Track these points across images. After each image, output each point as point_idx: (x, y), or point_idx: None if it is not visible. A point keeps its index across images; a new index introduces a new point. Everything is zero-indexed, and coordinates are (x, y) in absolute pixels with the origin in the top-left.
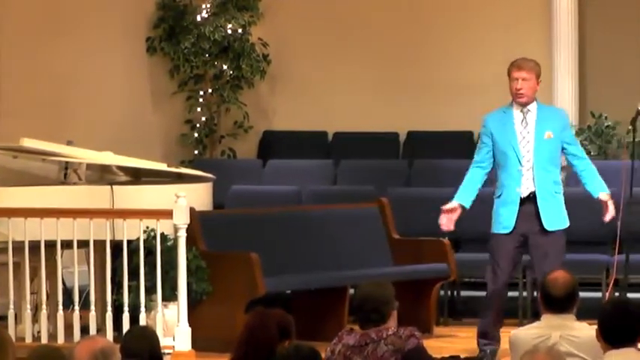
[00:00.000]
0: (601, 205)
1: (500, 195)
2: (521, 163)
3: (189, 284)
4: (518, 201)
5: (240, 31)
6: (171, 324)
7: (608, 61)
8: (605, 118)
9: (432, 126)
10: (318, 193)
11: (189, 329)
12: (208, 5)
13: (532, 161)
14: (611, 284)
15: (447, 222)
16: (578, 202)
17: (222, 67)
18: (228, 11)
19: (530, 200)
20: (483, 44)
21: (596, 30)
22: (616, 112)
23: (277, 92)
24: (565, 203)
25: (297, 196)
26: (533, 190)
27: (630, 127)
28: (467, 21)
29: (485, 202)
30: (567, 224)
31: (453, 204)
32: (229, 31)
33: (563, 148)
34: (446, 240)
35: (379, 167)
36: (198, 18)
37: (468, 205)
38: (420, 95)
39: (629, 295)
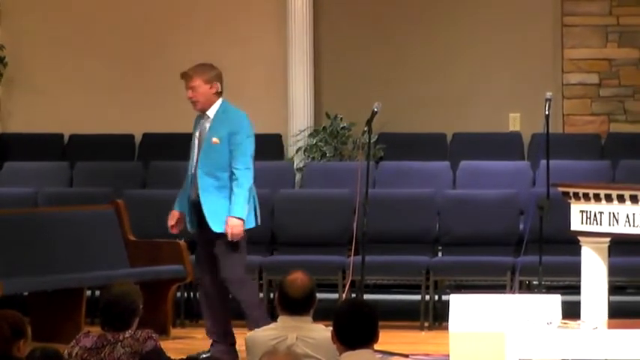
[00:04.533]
0: None
1: None
2: (193, 168)
3: None
4: (190, 203)
5: None
6: None
7: (343, 62)
8: (341, 119)
9: (167, 128)
10: (54, 195)
11: None
12: None
13: (198, 166)
14: (348, 285)
15: (175, 228)
16: (315, 203)
17: None
18: None
19: (200, 203)
20: (218, 45)
21: (330, 31)
22: (351, 113)
23: (14, 95)
24: (301, 204)
25: (33, 199)
26: (199, 193)
27: (365, 129)
28: (201, 23)
29: None
30: (246, 226)
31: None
32: None
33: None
34: (182, 242)
35: (115, 169)
36: None
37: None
38: (154, 97)
39: (366, 296)
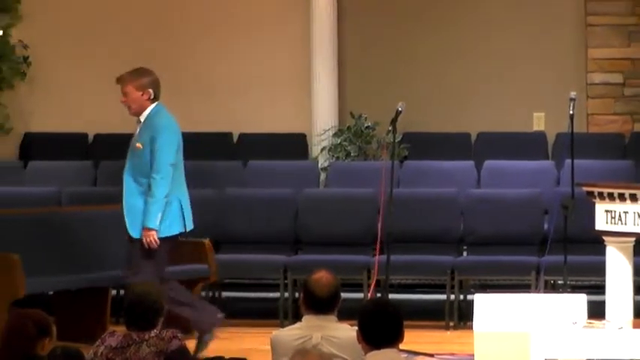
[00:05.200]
0: None
1: None
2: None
3: None
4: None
5: (0, 33)
6: None
7: (367, 61)
8: (365, 118)
9: (191, 127)
10: (78, 195)
11: None
12: None
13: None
14: (373, 285)
15: None
16: (339, 203)
17: None
18: None
19: None
20: (242, 44)
21: (355, 30)
22: (375, 112)
23: (38, 94)
24: (326, 203)
25: (57, 198)
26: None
27: (390, 128)
28: (224, 20)
29: (248, 204)
30: (164, 234)
31: None
32: None
33: None
34: (206, 241)
35: None
36: None
37: None
38: (178, 96)
39: (390, 295)
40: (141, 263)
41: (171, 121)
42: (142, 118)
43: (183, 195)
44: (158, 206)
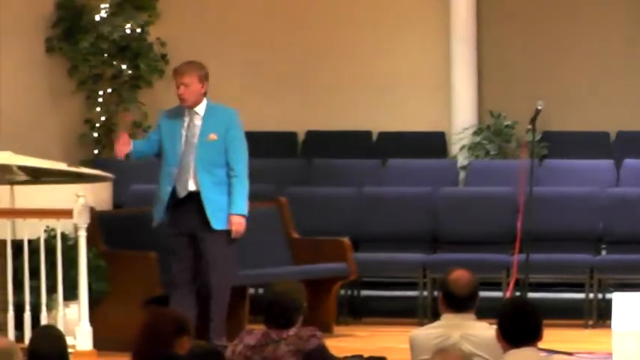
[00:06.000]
0: None
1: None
2: (177, 164)
3: (88, 284)
4: (167, 199)
5: (138, 30)
6: (72, 323)
7: (506, 60)
8: (504, 117)
9: (331, 125)
10: None
11: (91, 328)
12: (107, 5)
13: (194, 162)
14: (512, 284)
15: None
16: (478, 201)
17: (121, 66)
18: (125, 11)
19: (192, 200)
20: (381, 43)
21: (494, 28)
22: (515, 111)
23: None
24: (465, 202)
25: None
26: (193, 189)
27: (529, 127)
28: (365, 19)
29: (387, 203)
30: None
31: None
32: (128, 31)
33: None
34: (345, 239)
35: (278, 166)
36: (97, 18)
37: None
38: (318, 94)
39: (530, 294)
40: (224, 258)
41: (236, 111)
42: (200, 111)
43: None
44: (245, 193)
